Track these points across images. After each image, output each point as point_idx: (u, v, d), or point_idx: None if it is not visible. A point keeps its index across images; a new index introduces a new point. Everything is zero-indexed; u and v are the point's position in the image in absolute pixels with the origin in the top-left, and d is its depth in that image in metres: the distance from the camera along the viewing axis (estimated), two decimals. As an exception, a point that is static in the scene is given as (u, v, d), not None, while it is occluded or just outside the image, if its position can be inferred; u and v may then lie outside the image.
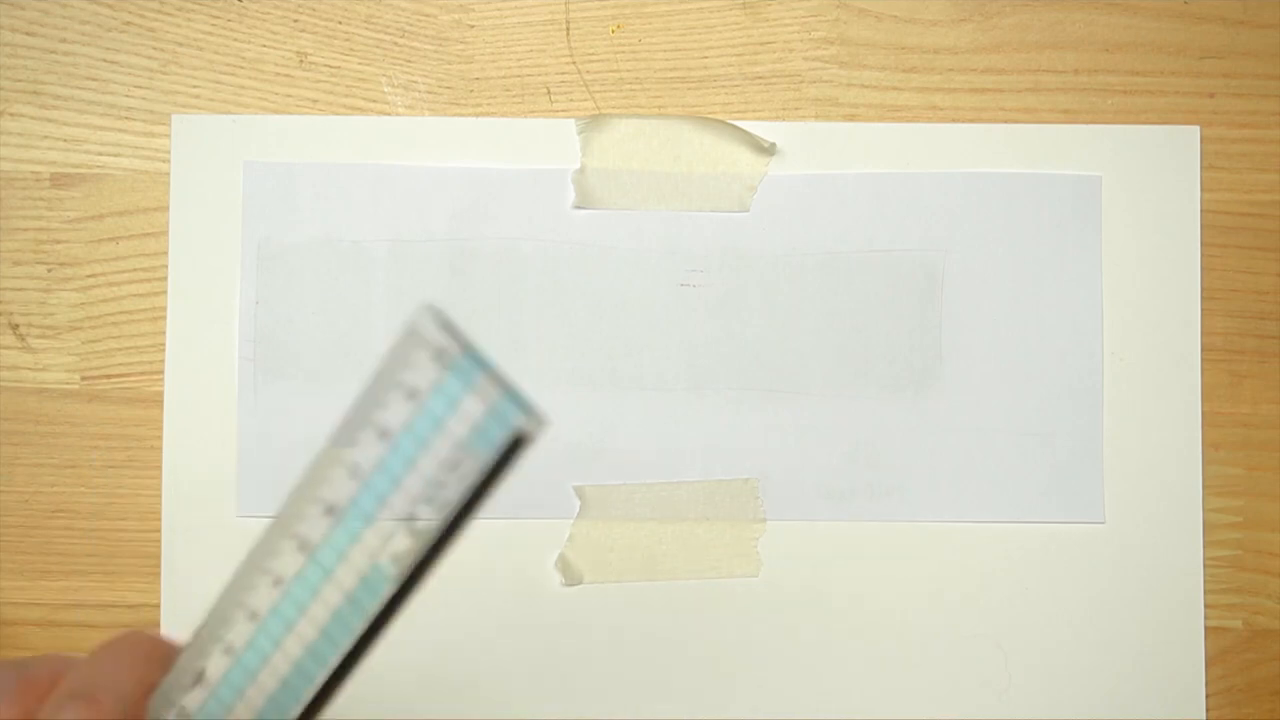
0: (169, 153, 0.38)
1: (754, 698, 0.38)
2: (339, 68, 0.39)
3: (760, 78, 0.39)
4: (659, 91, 0.39)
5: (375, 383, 0.20)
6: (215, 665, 0.23)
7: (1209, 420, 0.38)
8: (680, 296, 0.38)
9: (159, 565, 0.38)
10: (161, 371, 0.38)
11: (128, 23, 0.39)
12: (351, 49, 0.39)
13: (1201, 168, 0.38)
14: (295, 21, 0.39)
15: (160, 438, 0.38)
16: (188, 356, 0.38)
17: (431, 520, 0.20)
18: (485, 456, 0.20)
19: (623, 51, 0.39)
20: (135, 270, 0.38)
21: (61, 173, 0.38)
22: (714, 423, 0.38)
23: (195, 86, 0.38)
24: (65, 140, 0.38)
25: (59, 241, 0.38)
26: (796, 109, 0.39)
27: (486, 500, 0.20)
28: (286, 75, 0.39)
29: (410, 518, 0.20)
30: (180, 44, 0.39)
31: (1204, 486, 0.38)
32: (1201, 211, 0.38)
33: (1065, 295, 0.38)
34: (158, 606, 0.38)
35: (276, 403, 0.38)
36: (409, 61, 0.39)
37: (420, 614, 0.33)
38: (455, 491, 0.20)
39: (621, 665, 0.38)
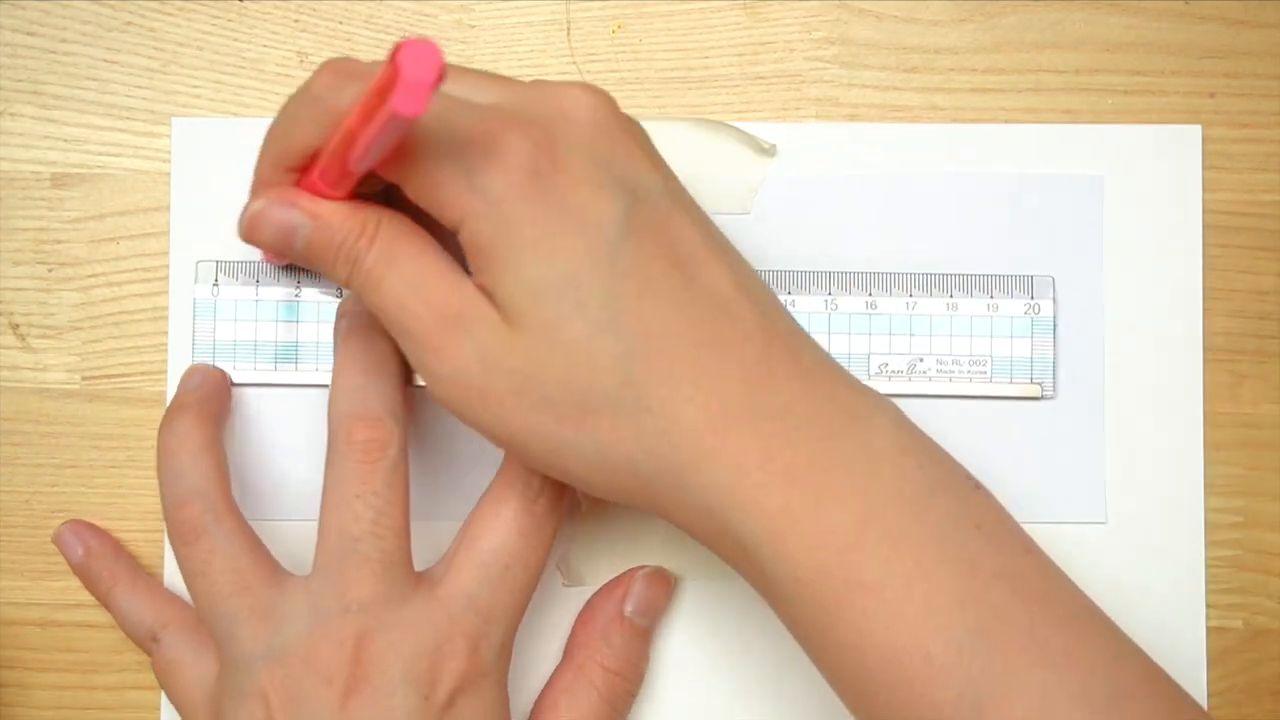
0: (169, 153, 0.38)
1: (755, 698, 0.38)
2: (339, 68, 0.38)
3: (761, 78, 0.39)
4: (659, 92, 0.39)
5: None
6: None
7: (1210, 420, 0.38)
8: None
9: (160, 565, 0.38)
10: (162, 371, 0.38)
11: (128, 23, 0.39)
12: (352, 49, 0.38)
13: (1203, 167, 0.38)
14: (296, 21, 0.39)
15: (161, 438, 0.38)
16: (189, 357, 0.38)
17: None
18: None
19: (623, 52, 0.39)
20: (136, 270, 0.38)
21: (61, 173, 0.38)
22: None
23: (195, 86, 0.38)
24: (65, 140, 0.38)
25: (59, 241, 0.38)
26: (797, 109, 0.39)
27: None
28: (287, 75, 0.38)
29: None
30: (180, 44, 0.39)
31: (1205, 486, 0.38)
32: (1203, 211, 0.38)
33: (1066, 295, 0.38)
34: (158, 607, 0.38)
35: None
36: (409, 61, 0.38)
37: (421, 614, 0.33)
38: None
39: (622, 665, 0.38)
